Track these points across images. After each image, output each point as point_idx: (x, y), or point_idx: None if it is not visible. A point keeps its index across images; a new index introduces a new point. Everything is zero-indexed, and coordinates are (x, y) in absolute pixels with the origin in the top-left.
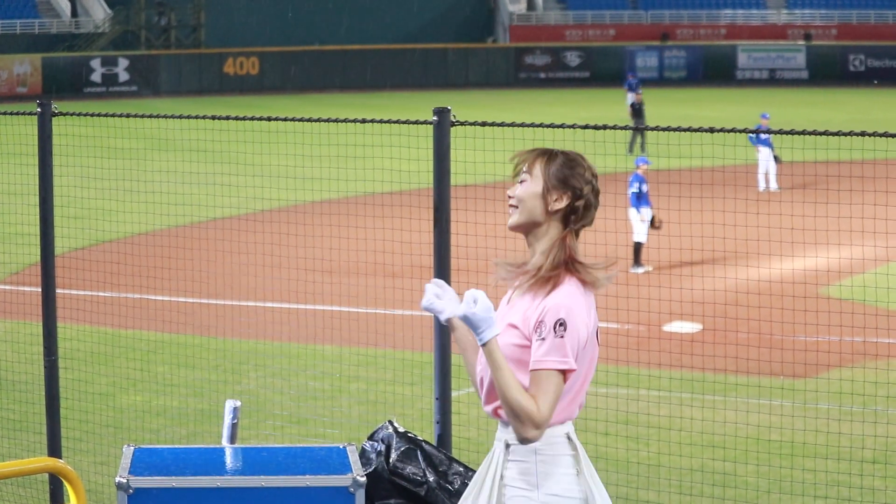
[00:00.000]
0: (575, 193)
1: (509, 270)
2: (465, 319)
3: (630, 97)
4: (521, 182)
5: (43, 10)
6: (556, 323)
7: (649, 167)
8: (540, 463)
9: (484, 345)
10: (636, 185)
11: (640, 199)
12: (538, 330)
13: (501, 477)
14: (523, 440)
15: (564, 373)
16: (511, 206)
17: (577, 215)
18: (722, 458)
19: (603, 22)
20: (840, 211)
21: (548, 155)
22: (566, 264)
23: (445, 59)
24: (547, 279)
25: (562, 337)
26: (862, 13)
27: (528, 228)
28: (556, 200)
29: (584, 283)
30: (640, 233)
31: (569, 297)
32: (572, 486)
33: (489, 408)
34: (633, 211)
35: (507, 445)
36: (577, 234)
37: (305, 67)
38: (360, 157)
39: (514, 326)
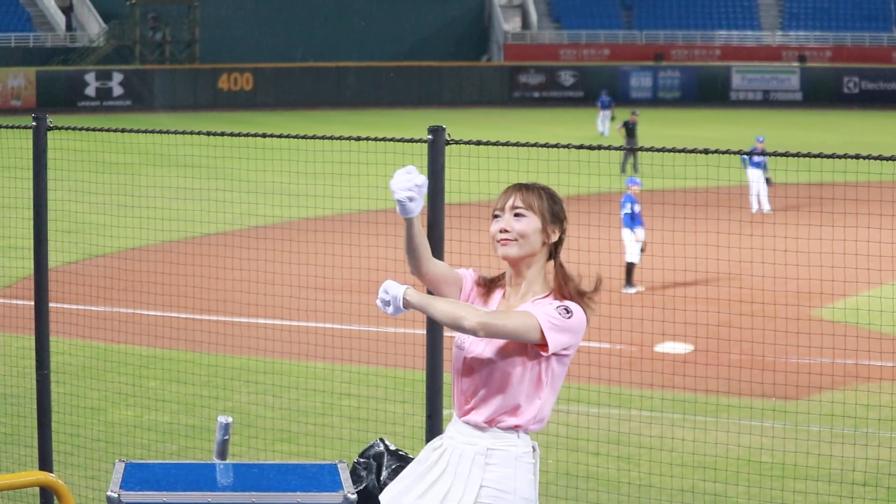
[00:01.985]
0: (562, 226)
1: (478, 283)
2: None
3: (602, 115)
4: (520, 217)
5: (38, 24)
6: (563, 307)
7: (641, 188)
8: (519, 469)
9: (408, 304)
10: (628, 205)
11: (633, 219)
12: (541, 303)
13: (480, 480)
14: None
15: (541, 341)
16: (507, 239)
17: (560, 245)
18: (713, 479)
19: (597, 42)
20: (833, 233)
21: (534, 190)
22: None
23: (440, 77)
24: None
25: (561, 316)
26: (856, 35)
27: (523, 261)
28: (552, 233)
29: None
30: (633, 253)
31: (578, 308)
32: (534, 492)
33: (477, 405)
34: (626, 231)
35: (488, 450)
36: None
37: (299, 84)
38: (354, 174)
39: None
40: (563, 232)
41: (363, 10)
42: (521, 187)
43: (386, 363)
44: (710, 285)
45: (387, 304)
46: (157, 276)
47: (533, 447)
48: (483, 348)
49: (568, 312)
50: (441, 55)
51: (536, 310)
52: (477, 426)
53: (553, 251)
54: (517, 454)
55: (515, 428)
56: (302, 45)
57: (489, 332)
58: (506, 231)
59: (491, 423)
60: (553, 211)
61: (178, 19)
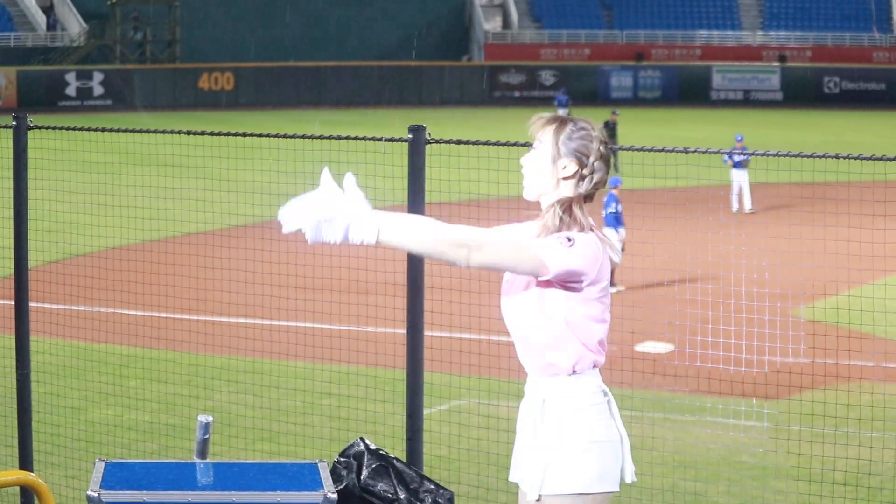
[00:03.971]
0: (582, 161)
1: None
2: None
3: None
4: (532, 150)
5: (18, 23)
6: (563, 236)
7: (621, 187)
8: (580, 414)
9: (378, 243)
10: (612, 205)
11: (616, 219)
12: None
13: (547, 432)
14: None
15: (541, 269)
16: (525, 174)
17: (584, 182)
18: (693, 478)
19: (578, 41)
20: (813, 233)
21: (557, 122)
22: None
23: (421, 76)
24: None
25: (561, 244)
26: (837, 35)
27: (540, 197)
28: (563, 168)
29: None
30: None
31: (582, 235)
32: (611, 431)
33: (525, 359)
34: (610, 231)
35: (543, 401)
36: (587, 199)
37: (280, 83)
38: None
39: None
40: (583, 167)
41: (344, 9)
42: (542, 117)
43: (366, 362)
44: (691, 284)
45: (323, 226)
46: (138, 275)
47: (602, 390)
48: (506, 303)
49: (570, 240)
50: (422, 55)
51: (537, 241)
52: (532, 376)
53: (578, 187)
54: (572, 400)
55: (562, 371)
56: (283, 45)
57: (480, 265)
58: (522, 166)
59: (538, 371)
60: (569, 143)
61: (159, 19)
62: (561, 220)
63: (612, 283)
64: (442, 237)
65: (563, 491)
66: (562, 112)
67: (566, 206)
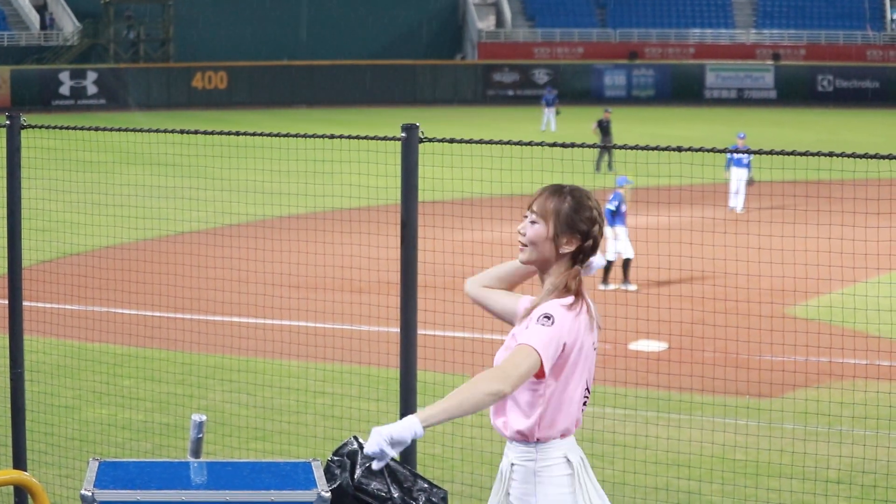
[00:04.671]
0: (584, 236)
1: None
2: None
3: (547, 112)
4: (533, 223)
5: (12, 23)
6: (542, 315)
7: (629, 187)
8: (539, 484)
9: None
10: (614, 203)
11: (615, 217)
12: (524, 322)
13: (507, 493)
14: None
15: (540, 360)
16: (521, 244)
17: (584, 255)
18: (687, 476)
19: (571, 40)
20: (807, 231)
21: (557, 197)
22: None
23: (414, 75)
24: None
25: (543, 325)
26: (830, 34)
27: (538, 265)
28: (566, 244)
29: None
30: (611, 251)
31: (560, 305)
32: (571, 502)
33: (496, 423)
34: (621, 229)
35: (511, 465)
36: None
37: (274, 82)
38: (328, 172)
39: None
40: (584, 241)
41: (338, 8)
42: (545, 191)
43: (360, 361)
44: (685, 283)
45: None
46: (132, 274)
47: (566, 459)
48: (498, 358)
49: (548, 319)
50: (415, 54)
51: (528, 336)
52: (506, 439)
53: (577, 260)
54: (536, 468)
55: (525, 439)
56: (276, 44)
57: (514, 386)
58: (521, 234)
59: (507, 435)
60: (571, 221)
61: (153, 18)
62: (565, 288)
63: (627, 281)
64: (476, 401)
65: None
66: (548, 111)
67: (571, 281)
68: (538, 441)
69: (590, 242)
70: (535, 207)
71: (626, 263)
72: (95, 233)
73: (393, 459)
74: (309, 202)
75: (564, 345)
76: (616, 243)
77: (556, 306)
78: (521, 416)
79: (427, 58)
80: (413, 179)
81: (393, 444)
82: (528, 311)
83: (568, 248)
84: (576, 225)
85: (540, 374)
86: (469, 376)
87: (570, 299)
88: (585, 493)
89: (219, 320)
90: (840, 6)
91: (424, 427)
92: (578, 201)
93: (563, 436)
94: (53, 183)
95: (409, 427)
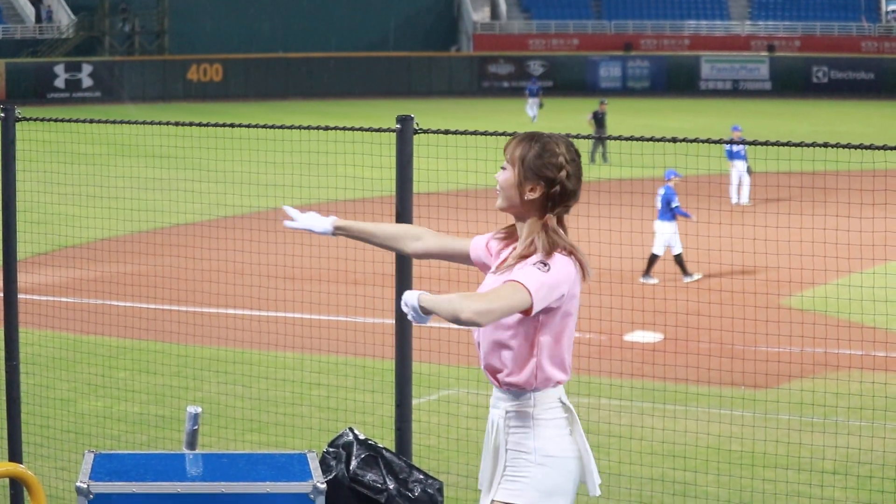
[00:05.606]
0: (549, 183)
1: (497, 237)
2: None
3: (530, 102)
4: (503, 169)
5: (7, 16)
6: (540, 261)
7: (676, 179)
8: (537, 427)
9: (426, 310)
10: (674, 199)
11: (668, 211)
12: (520, 264)
13: (506, 443)
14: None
15: (530, 300)
16: (496, 190)
17: (554, 202)
18: (682, 467)
19: (566, 31)
20: (802, 222)
21: (525, 143)
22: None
23: (409, 67)
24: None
25: (539, 270)
26: (825, 25)
27: (512, 212)
28: (530, 191)
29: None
30: (659, 245)
31: (557, 255)
32: (567, 446)
33: (489, 375)
34: (662, 223)
35: (506, 413)
36: (561, 217)
37: (269, 75)
38: (323, 164)
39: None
40: (550, 188)
41: (333, 0)
42: (516, 137)
43: (355, 352)
44: (680, 274)
45: (412, 317)
46: (127, 266)
47: (562, 402)
48: None
49: (545, 266)
50: (410, 45)
51: (521, 275)
52: (498, 389)
53: (547, 207)
54: (533, 413)
55: (522, 388)
56: (271, 36)
57: (489, 319)
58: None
59: (503, 385)
60: (534, 166)
61: (148, 10)
62: (545, 243)
63: (649, 275)
64: (458, 297)
65: (510, 500)
66: (532, 102)
67: (544, 230)
68: (535, 389)
69: (556, 189)
70: (506, 154)
71: (678, 258)
72: (90, 225)
73: (388, 451)
74: (304, 194)
75: (563, 295)
76: (664, 237)
77: (554, 256)
78: (516, 368)
79: (422, 49)
80: (408, 171)
81: (406, 303)
82: (518, 259)
83: (532, 195)
84: (539, 171)
85: (527, 313)
86: (465, 367)
87: (556, 260)
88: (580, 435)
89: (214, 312)
90: None
91: (423, 306)
92: (544, 147)
93: (557, 384)
94: (49, 175)
95: (415, 293)
